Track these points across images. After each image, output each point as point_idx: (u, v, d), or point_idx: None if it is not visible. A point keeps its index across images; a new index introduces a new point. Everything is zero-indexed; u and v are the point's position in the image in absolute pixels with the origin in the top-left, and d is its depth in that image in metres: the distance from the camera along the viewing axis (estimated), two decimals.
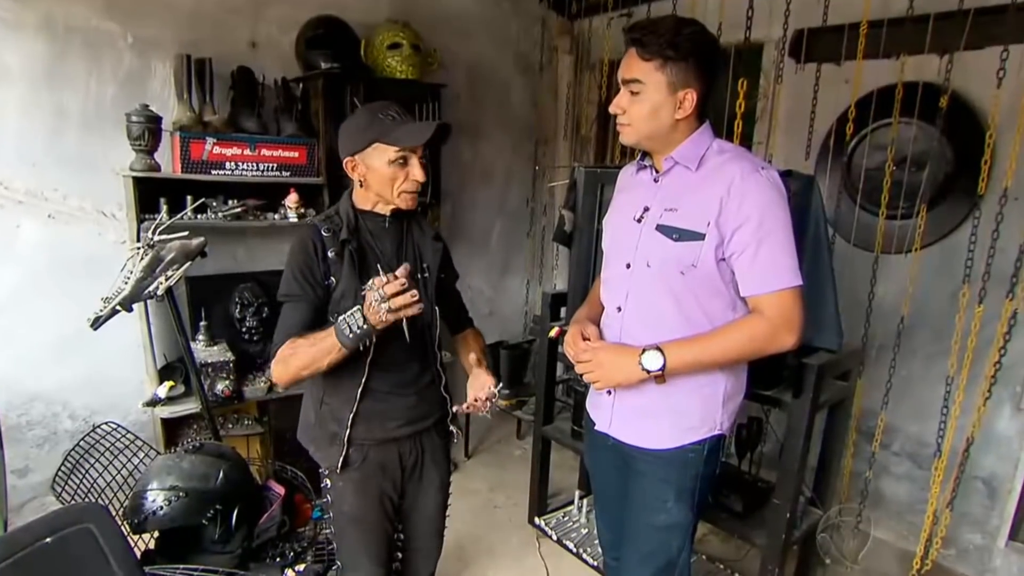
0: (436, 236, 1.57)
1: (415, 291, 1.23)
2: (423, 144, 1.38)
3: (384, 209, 1.47)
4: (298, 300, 1.41)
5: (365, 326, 1.26)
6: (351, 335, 1.27)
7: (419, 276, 1.51)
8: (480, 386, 1.48)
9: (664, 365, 1.33)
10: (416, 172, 1.39)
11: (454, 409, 1.54)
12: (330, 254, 1.41)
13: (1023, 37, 2.10)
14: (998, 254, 2.17)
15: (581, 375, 1.46)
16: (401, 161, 1.38)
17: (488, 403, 1.45)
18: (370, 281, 1.25)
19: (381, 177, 1.40)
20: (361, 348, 1.34)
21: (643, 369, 1.34)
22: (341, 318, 1.29)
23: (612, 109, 1.39)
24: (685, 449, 1.44)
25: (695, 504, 1.49)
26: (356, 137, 1.40)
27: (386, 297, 1.21)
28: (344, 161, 1.43)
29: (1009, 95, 2.12)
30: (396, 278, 1.23)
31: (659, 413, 1.44)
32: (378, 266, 1.41)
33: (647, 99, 1.32)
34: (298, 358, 1.35)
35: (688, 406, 1.43)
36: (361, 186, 1.45)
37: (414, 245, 1.53)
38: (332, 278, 1.42)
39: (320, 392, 1.51)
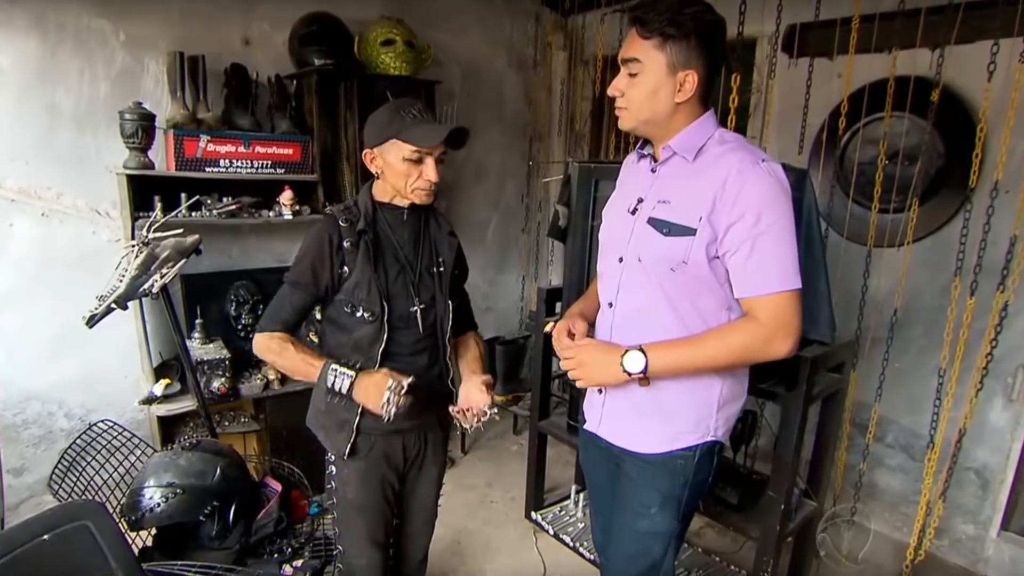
0: (451, 232, 1.60)
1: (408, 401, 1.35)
2: (442, 146, 1.42)
3: (402, 202, 1.50)
4: (301, 289, 1.47)
5: (346, 394, 1.39)
6: (329, 387, 1.40)
7: (434, 270, 1.55)
8: (473, 400, 1.49)
9: (646, 367, 1.25)
10: (429, 172, 1.43)
11: (451, 408, 1.55)
12: (346, 244, 1.45)
13: (1013, 31, 2.11)
14: (989, 247, 2.19)
15: (566, 372, 1.40)
16: (416, 160, 1.41)
17: (477, 420, 1.48)
18: (391, 382, 1.34)
19: (396, 172, 1.43)
20: (374, 337, 1.47)
21: (624, 371, 1.27)
22: (335, 370, 1.40)
23: (610, 91, 1.31)
24: (674, 455, 1.36)
25: (681, 513, 1.40)
26: (377, 131, 1.44)
27: (399, 393, 1.32)
28: (364, 152, 1.48)
29: (999, 89, 2.14)
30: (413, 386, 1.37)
31: (648, 415, 1.37)
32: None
33: (645, 80, 1.23)
34: (284, 360, 1.46)
35: (679, 410, 1.34)
36: (378, 178, 1.50)
37: (430, 239, 1.56)
38: (346, 267, 1.46)
39: None
